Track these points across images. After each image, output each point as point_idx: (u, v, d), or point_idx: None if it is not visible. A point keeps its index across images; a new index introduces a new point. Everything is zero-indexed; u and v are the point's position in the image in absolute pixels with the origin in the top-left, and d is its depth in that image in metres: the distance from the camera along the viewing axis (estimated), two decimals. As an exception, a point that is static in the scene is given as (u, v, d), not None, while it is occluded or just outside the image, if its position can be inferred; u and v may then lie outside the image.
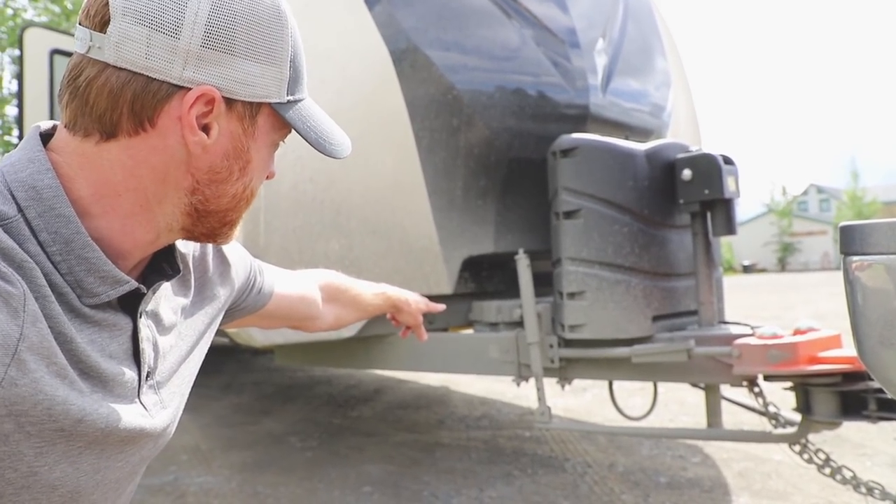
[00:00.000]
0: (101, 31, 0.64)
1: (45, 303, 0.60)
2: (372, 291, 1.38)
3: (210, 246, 0.91)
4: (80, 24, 0.67)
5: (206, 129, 0.69)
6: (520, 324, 2.66)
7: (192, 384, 0.87)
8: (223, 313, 0.95)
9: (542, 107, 2.92)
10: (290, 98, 0.74)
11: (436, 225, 2.82)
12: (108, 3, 0.64)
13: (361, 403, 4.83)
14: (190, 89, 0.66)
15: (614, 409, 2.76)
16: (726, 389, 2.76)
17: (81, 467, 0.65)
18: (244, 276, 1.00)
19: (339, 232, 2.65)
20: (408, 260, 2.80)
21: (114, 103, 0.65)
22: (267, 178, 0.82)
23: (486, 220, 2.93)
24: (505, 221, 2.97)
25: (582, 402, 4.56)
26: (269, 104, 0.72)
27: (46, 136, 0.70)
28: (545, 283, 2.82)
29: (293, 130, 0.76)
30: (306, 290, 1.17)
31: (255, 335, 2.55)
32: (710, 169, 2.36)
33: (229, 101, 0.69)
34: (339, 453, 3.56)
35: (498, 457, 3.39)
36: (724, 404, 2.80)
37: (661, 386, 4.03)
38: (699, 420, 3.43)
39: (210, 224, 0.75)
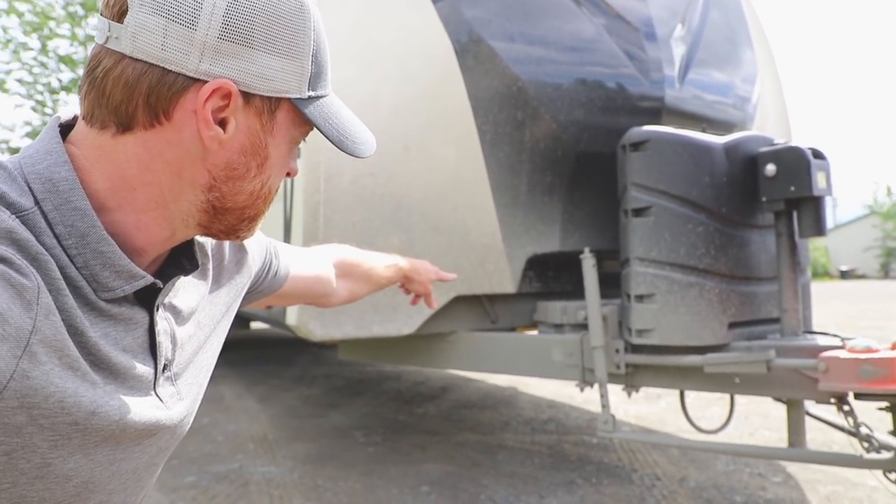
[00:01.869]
0: (118, 22, 0.63)
1: (58, 296, 0.59)
2: (384, 264, 1.38)
3: None
4: (100, 14, 0.66)
5: (222, 123, 0.66)
6: (585, 326, 2.54)
7: (210, 373, 0.86)
8: (241, 298, 0.93)
9: (614, 99, 2.78)
10: (312, 94, 0.71)
11: (499, 222, 2.74)
12: None
13: (427, 401, 4.81)
14: (206, 82, 0.64)
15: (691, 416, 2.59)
16: (812, 406, 2.53)
17: (96, 459, 0.64)
18: (260, 261, 0.98)
19: (399, 227, 2.61)
20: (469, 257, 2.73)
21: (129, 95, 0.63)
22: (287, 175, 0.79)
23: (552, 218, 2.82)
24: (572, 219, 2.85)
25: (655, 409, 4.35)
26: (289, 99, 0.69)
27: (67, 128, 0.69)
28: (615, 284, 2.68)
29: (314, 128, 0.73)
30: (321, 268, 1.16)
31: (315, 329, 2.55)
32: (797, 164, 2.16)
33: (247, 96, 0.67)
34: (401, 450, 3.54)
35: (562, 463, 3.27)
36: (811, 421, 2.57)
37: (743, 397, 3.79)
38: (783, 435, 3.19)
39: (227, 221, 0.73)
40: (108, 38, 0.63)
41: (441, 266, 2.71)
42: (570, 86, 2.70)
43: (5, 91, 12.18)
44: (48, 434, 0.58)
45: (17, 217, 0.59)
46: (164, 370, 0.73)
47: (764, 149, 2.30)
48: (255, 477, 3.15)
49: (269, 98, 0.68)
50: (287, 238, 2.63)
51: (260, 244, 0.98)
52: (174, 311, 0.75)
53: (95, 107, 0.65)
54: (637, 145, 2.35)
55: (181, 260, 0.77)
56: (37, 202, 0.61)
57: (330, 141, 0.72)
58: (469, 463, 3.29)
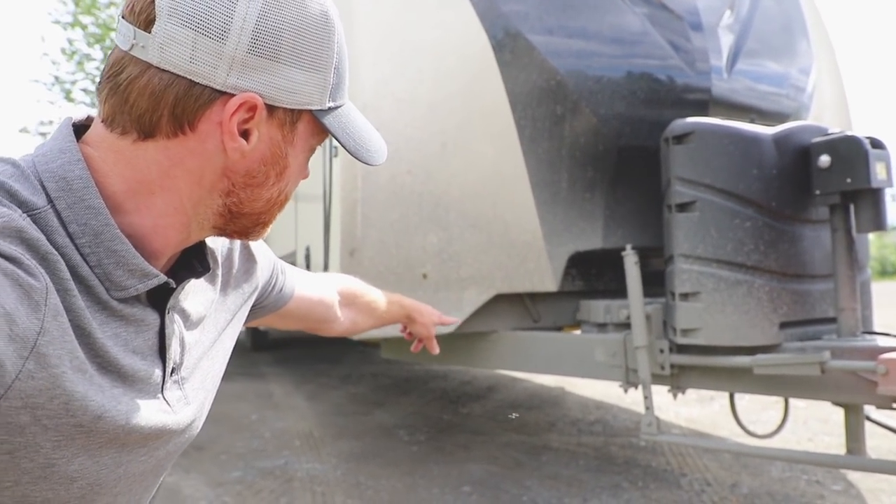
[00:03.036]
0: (145, 30, 0.63)
1: (67, 296, 0.59)
2: (388, 299, 1.35)
3: (238, 242, 0.90)
4: (123, 17, 0.66)
5: (245, 134, 0.67)
6: (628, 325, 2.47)
7: (218, 381, 0.86)
8: (247, 309, 0.93)
9: (657, 91, 2.69)
10: (332, 104, 0.71)
11: (539, 219, 2.69)
12: (153, 1, 0.63)
13: (473, 400, 4.78)
14: (233, 95, 0.64)
15: (745, 420, 2.48)
16: (874, 411, 2.39)
17: (102, 461, 0.64)
18: (268, 275, 0.98)
19: (437, 225, 2.59)
20: (510, 255, 2.69)
21: (155, 105, 0.64)
22: (302, 178, 0.80)
23: (593, 214, 2.75)
24: (615, 215, 2.77)
25: (707, 412, 4.21)
26: (311, 111, 0.70)
27: (80, 127, 0.70)
28: (662, 283, 2.59)
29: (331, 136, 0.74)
30: (325, 293, 1.15)
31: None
32: (854, 154, 2.04)
33: (271, 108, 0.67)
34: (444, 450, 3.52)
35: (608, 466, 3.20)
36: (875, 427, 2.44)
37: (802, 401, 3.62)
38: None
39: (242, 224, 0.74)
40: (133, 45, 0.63)
41: (481, 264, 2.69)
42: (611, 78, 2.63)
43: (71, 100, 12.77)
44: (52, 435, 0.58)
45: (29, 215, 0.59)
46: (172, 373, 0.73)
47: (817, 139, 2.18)
48: (300, 473, 3.19)
49: (292, 110, 0.69)
50: (326, 237, 2.65)
51: (268, 259, 0.98)
52: (184, 314, 0.76)
53: (117, 112, 0.65)
54: (680, 137, 2.26)
55: (192, 262, 0.77)
56: (50, 200, 0.61)
57: (347, 150, 0.73)
58: (512, 464, 3.25)
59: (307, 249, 3.22)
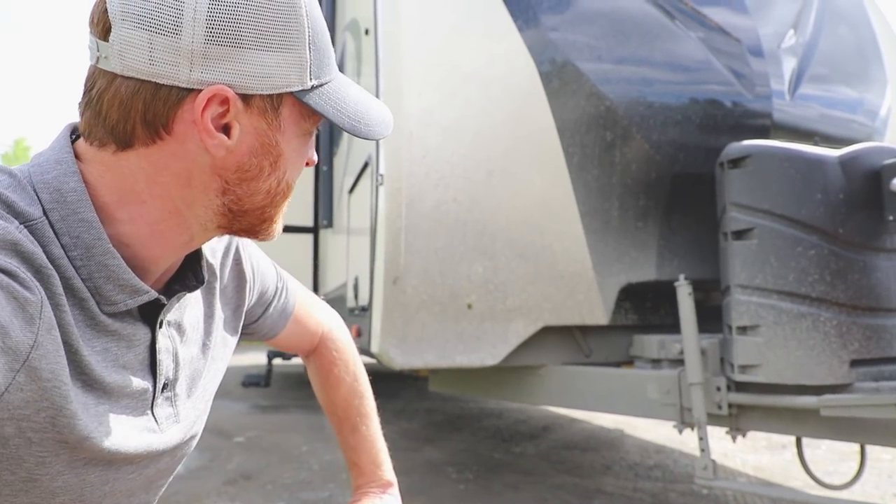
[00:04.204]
0: (104, 40, 0.61)
1: (58, 311, 0.58)
2: (350, 427, 1.06)
3: (243, 259, 0.88)
4: (89, 32, 0.65)
5: (227, 129, 0.64)
6: (683, 361, 2.33)
7: (211, 399, 0.83)
8: (238, 328, 0.90)
9: (713, 116, 2.58)
10: (315, 83, 0.67)
11: (589, 249, 2.60)
12: (106, 8, 0.61)
13: (527, 440, 4.63)
14: (200, 91, 0.62)
15: (818, 471, 2.28)
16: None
17: (87, 478, 0.63)
18: (256, 296, 0.93)
19: (483, 254, 2.54)
20: (558, 286, 2.60)
21: (126, 115, 0.62)
22: (307, 165, 0.76)
23: (647, 244, 2.64)
24: (669, 245, 2.65)
25: (778, 460, 3.92)
26: (292, 93, 0.66)
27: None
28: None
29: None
30: (314, 328, 1.05)
31: (395, 357, 2.51)
32: (930, 177, 1.88)
33: (246, 97, 0.64)
34: (493, 489, 3.40)
35: (666, 513, 3.00)
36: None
37: (888, 450, 3.32)
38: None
39: (248, 221, 0.71)
40: (98, 57, 0.62)
41: (528, 295, 2.61)
42: (665, 103, 2.55)
43: None
44: (36, 449, 0.57)
45: (26, 226, 0.59)
46: (163, 389, 0.71)
47: (889, 161, 2.03)
48: (343, 507, 3.14)
49: (271, 96, 0.65)
50: (372, 265, 2.64)
51: (270, 282, 0.94)
52: (179, 329, 0.74)
53: (93, 126, 0.64)
54: (736, 161, 2.15)
55: (188, 275, 0.75)
56: (45, 212, 0.61)
57: (342, 129, 0.69)
58: (563, 507, 3.10)
59: (356, 280, 3.23)
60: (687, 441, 4.35)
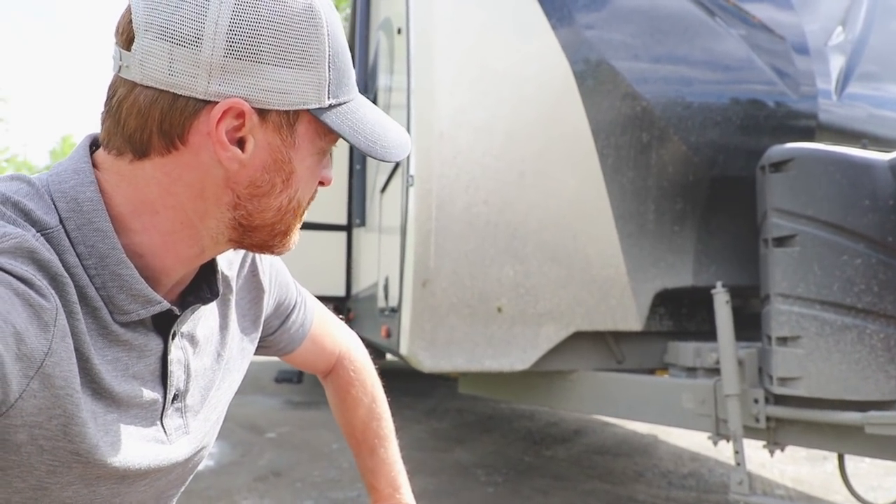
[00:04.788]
0: (127, 49, 0.62)
1: (71, 319, 0.59)
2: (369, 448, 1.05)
3: (259, 270, 0.87)
4: (114, 42, 0.66)
5: (241, 142, 0.64)
6: (719, 371, 2.25)
7: (224, 412, 0.83)
8: (255, 341, 0.89)
9: (755, 117, 2.50)
10: (333, 102, 0.66)
11: (623, 253, 2.53)
12: (131, 19, 0.62)
13: (558, 443, 4.57)
14: (217, 103, 0.62)
15: (861, 486, 2.19)
16: None
17: (98, 490, 0.64)
18: (272, 308, 0.92)
19: (514, 257, 2.50)
20: (590, 291, 2.55)
21: (143, 123, 0.63)
22: (321, 184, 0.74)
23: (683, 249, 2.56)
24: (707, 250, 2.57)
25: (818, 472, 3.79)
26: (309, 111, 0.65)
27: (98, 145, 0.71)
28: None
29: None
30: (332, 349, 1.03)
31: (424, 360, 2.49)
32: None
33: (262, 112, 0.64)
34: (522, 493, 3.36)
35: (700, 525, 2.92)
36: None
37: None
38: None
39: (258, 237, 0.71)
40: (119, 66, 0.63)
41: (560, 299, 2.56)
42: (703, 104, 2.47)
43: None
44: (47, 458, 0.57)
45: (43, 234, 0.59)
46: (174, 400, 0.71)
47: (943, 166, 1.92)
48: (371, 508, 3.13)
49: (287, 112, 0.64)
50: (402, 267, 2.62)
51: (288, 296, 0.93)
52: (192, 340, 0.74)
53: (112, 134, 0.64)
54: (779, 165, 2.07)
55: (203, 287, 0.75)
56: (61, 221, 0.61)
57: (358, 149, 0.68)
58: (593, 514, 3.04)
59: (386, 280, 3.22)
60: (723, 449, 4.23)
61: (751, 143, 2.48)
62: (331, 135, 0.68)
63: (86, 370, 0.60)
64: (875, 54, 2.71)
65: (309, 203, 0.73)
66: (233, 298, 0.82)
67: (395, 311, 2.79)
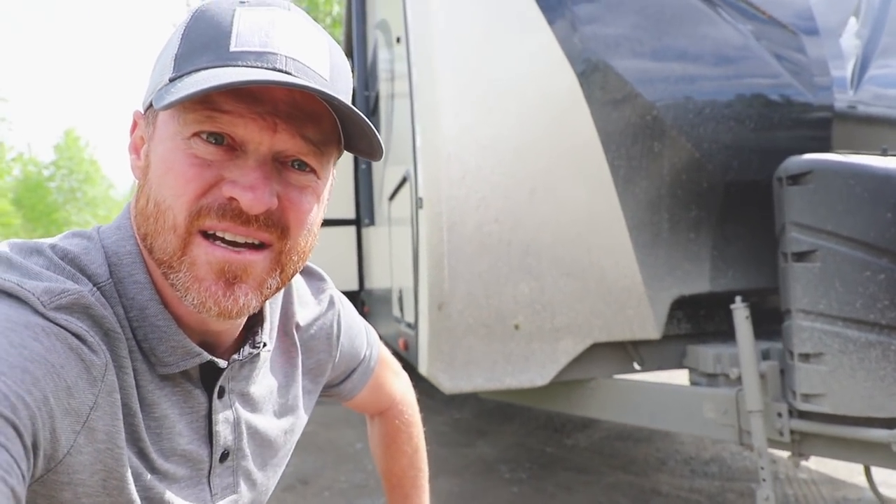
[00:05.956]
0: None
1: (121, 373, 0.60)
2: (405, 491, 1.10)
3: (335, 335, 0.88)
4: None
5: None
6: (741, 379, 2.24)
7: (279, 472, 0.83)
8: (315, 397, 0.90)
9: (768, 116, 2.43)
10: (174, 75, 0.58)
11: (638, 263, 2.51)
12: None
13: (578, 430, 4.61)
14: None
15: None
16: None
17: None
18: (351, 368, 0.95)
19: (528, 274, 2.48)
20: (607, 302, 2.53)
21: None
22: (231, 199, 0.58)
23: (699, 256, 2.53)
24: (724, 256, 2.54)
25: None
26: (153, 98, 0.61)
27: None
28: (780, 321, 2.33)
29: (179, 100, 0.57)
30: (386, 395, 1.06)
31: (444, 382, 2.50)
32: None
33: (143, 116, 0.66)
34: (546, 490, 3.40)
35: (725, 519, 2.95)
36: None
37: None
38: None
39: (154, 259, 0.63)
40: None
41: (576, 313, 2.55)
42: (715, 108, 2.41)
43: None
44: None
45: (98, 288, 0.61)
46: (223, 459, 0.70)
47: (967, 174, 1.87)
48: (399, 516, 3.18)
49: (149, 108, 0.64)
50: (416, 290, 2.61)
51: (359, 349, 0.95)
52: (244, 398, 0.73)
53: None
54: (796, 178, 2.02)
55: (255, 339, 0.74)
56: (111, 274, 0.63)
57: (158, 105, 0.57)
58: (618, 512, 3.08)
59: (400, 292, 3.21)
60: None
61: (766, 144, 2.43)
62: (187, 114, 0.58)
63: (131, 426, 0.61)
64: (892, 41, 2.62)
65: (197, 213, 0.58)
66: (300, 360, 0.82)
67: (412, 327, 2.79)
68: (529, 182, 2.46)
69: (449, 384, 2.50)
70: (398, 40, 2.98)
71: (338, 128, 0.62)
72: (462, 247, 2.43)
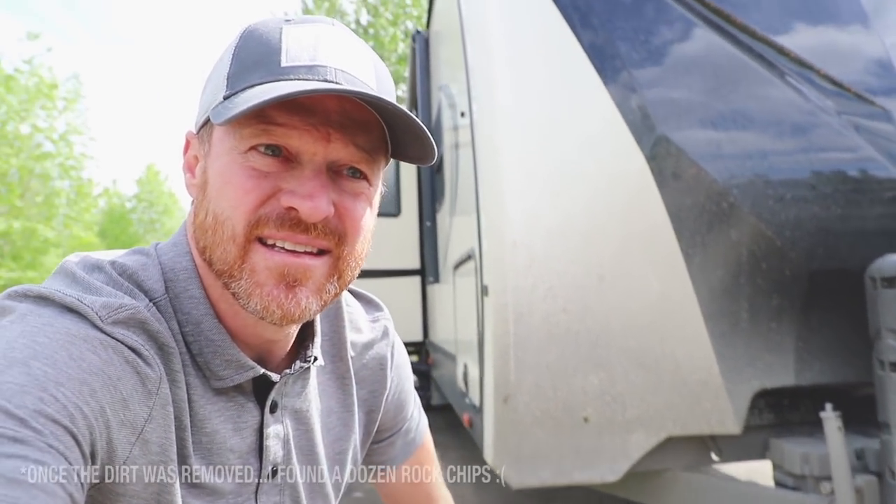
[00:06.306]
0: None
1: (174, 387, 0.61)
2: None
3: (388, 366, 0.87)
4: None
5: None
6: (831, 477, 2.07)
7: (338, 495, 0.81)
8: (372, 431, 0.88)
9: (856, 198, 2.28)
10: (228, 92, 0.60)
11: (716, 354, 2.38)
12: None
13: None
14: None
15: None
16: None
17: None
18: (401, 418, 0.92)
19: (597, 365, 2.39)
20: (682, 395, 2.40)
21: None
22: (292, 210, 0.60)
23: (782, 347, 2.38)
24: (809, 347, 2.37)
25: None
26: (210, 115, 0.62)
27: None
28: (873, 408, 2.15)
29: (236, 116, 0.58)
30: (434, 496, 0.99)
31: (510, 475, 2.42)
32: None
33: (197, 135, 0.68)
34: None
35: None
36: None
37: None
38: None
39: (214, 270, 0.65)
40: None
41: (649, 405, 2.43)
42: (797, 193, 2.27)
43: None
44: None
45: (154, 303, 0.63)
46: (272, 475, 0.70)
47: None
48: None
49: (204, 125, 0.65)
50: (481, 381, 2.55)
51: (409, 399, 0.93)
52: (297, 415, 0.73)
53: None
54: (892, 280, 1.87)
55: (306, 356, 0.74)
56: (166, 289, 0.65)
57: (245, 112, 0.56)
58: None
59: (465, 367, 3.16)
60: None
61: (854, 227, 2.27)
62: (243, 129, 0.59)
63: (181, 439, 0.61)
64: None
65: (256, 223, 0.59)
66: (353, 388, 0.81)
67: (477, 410, 2.73)
68: (598, 269, 2.38)
69: (516, 478, 2.42)
70: (462, 115, 2.98)
71: (385, 135, 0.64)
72: (529, 337, 2.36)
